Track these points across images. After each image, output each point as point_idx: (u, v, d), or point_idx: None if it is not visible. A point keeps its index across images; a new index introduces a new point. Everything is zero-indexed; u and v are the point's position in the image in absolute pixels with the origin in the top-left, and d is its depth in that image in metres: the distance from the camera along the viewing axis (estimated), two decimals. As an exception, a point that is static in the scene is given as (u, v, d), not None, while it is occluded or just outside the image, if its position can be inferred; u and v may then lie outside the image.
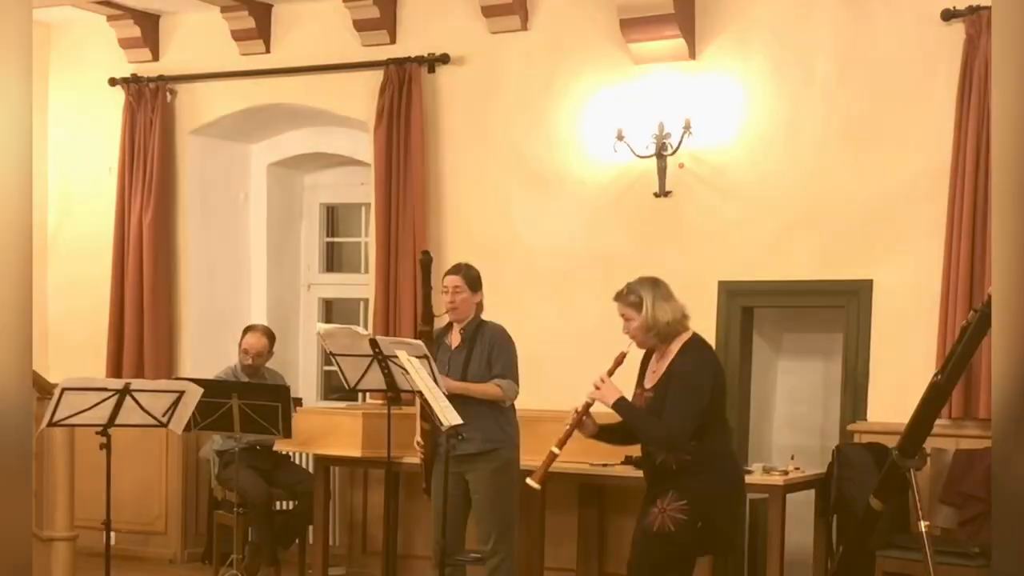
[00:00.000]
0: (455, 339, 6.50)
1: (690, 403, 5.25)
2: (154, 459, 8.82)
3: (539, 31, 7.91)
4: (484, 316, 6.59)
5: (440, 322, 6.69)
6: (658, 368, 5.41)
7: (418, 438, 6.56)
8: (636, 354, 5.51)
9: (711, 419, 5.33)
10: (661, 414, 5.28)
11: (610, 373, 5.39)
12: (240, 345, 7.89)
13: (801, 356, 7.80)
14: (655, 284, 5.41)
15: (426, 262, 6.54)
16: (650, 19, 7.35)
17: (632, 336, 5.41)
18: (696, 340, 5.41)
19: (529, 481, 5.50)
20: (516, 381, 6.43)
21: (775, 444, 7.78)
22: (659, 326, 5.33)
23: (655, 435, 5.31)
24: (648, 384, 5.44)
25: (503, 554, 6.41)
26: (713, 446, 5.33)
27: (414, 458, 6.72)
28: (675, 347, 5.37)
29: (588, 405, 5.41)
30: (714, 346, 7.31)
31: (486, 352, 6.39)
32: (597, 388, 5.36)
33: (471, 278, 6.46)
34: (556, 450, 5.41)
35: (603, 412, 5.46)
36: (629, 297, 5.38)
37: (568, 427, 5.42)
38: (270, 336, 7.95)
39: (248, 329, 7.97)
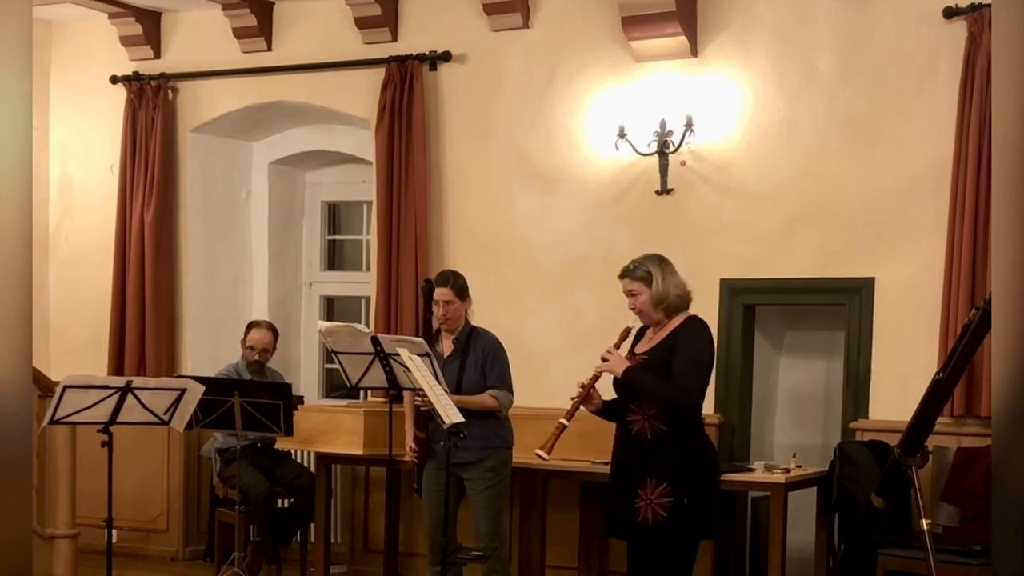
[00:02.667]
0: (447, 347, 6.50)
1: (700, 370, 5.40)
2: (156, 457, 8.83)
3: (541, 29, 7.91)
4: (485, 314, 6.59)
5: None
6: (655, 337, 5.49)
7: (411, 443, 6.56)
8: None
9: None
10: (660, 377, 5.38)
11: (617, 346, 5.50)
12: (245, 342, 7.90)
13: (803, 354, 7.79)
14: (662, 260, 5.55)
15: (428, 291, 6.52)
16: (652, 16, 7.34)
17: (639, 311, 5.49)
18: (699, 318, 5.54)
19: (539, 452, 5.54)
20: (511, 391, 6.46)
21: (777, 442, 7.78)
22: (670, 299, 5.44)
23: (668, 396, 5.36)
24: (641, 349, 5.50)
25: (498, 547, 6.46)
26: (688, 420, 5.41)
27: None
28: (677, 321, 5.47)
29: (596, 378, 5.50)
30: (716, 344, 7.36)
31: (480, 361, 6.41)
32: (605, 360, 5.45)
33: (459, 287, 6.46)
34: (565, 422, 5.48)
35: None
36: (637, 272, 5.49)
37: (575, 399, 5.50)
38: (274, 331, 7.98)
39: (252, 325, 7.99)
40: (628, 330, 5.54)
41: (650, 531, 5.35)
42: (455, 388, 6.33)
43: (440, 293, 6.42)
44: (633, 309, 5.50)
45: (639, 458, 5.40)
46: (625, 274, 5.53)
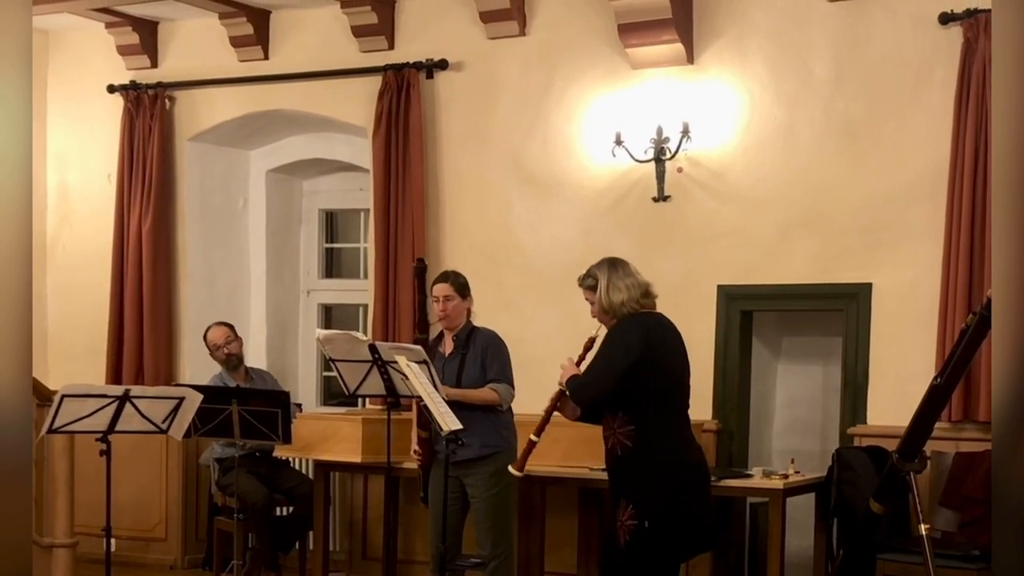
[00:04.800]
0: (448, 346, 6.51)
1: (603, 361, 5.25)
2: (154, 465, 8.82)
3: (537, 36, 7.92)
4: (484, 320, 6.60)
5: (432, 331, 6.72)
6: None
7: (415, 447, 6.57)
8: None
9: (650, 404, 5.24)
10: None
11: (580, 359, 5.43)
12: (208, 349, 7.91)
13: (800, 359, 7.80)
14: (612, 264, 5.41)
15: (420, 269, 6.53)
16: (648, 24, 7.36)
17: (597, 319, 5.42)
18: (637, 315, 5.32)
19: (511, 468, 5.68)
20: (511, 385, 6.45)
21: (775, 448, 7.78)
22: (614, 307, 5.32)
23: (572, 387, 5.32)
24: None
25: (502, 557, 6.43)
26: (652, 434, 5.24)
27: (414, 463, 6.72)
28: None
29: (560, 391, 5.44)
30: (713, 350, 7.37)
31: (479, 357, 6.41)
32: (563, 369, 5.43)
33: (460, 285, 6.47)
34: (535, 438, 5.52)
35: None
36: (587, 280, 5.43)
37: (544, 414, 5.49)
38: (228, 324, 8.05)
39: (205, 332, 8.03)
40: (591, 340, 5.41)
41: (620, 555, 5.27)
42: (455, 385, 6.35)
43: (440, 289, 6.43)
44: (593, 316, 5.44)
45: (614, 477, 5.36)
46: (580, 283, 5.47)
